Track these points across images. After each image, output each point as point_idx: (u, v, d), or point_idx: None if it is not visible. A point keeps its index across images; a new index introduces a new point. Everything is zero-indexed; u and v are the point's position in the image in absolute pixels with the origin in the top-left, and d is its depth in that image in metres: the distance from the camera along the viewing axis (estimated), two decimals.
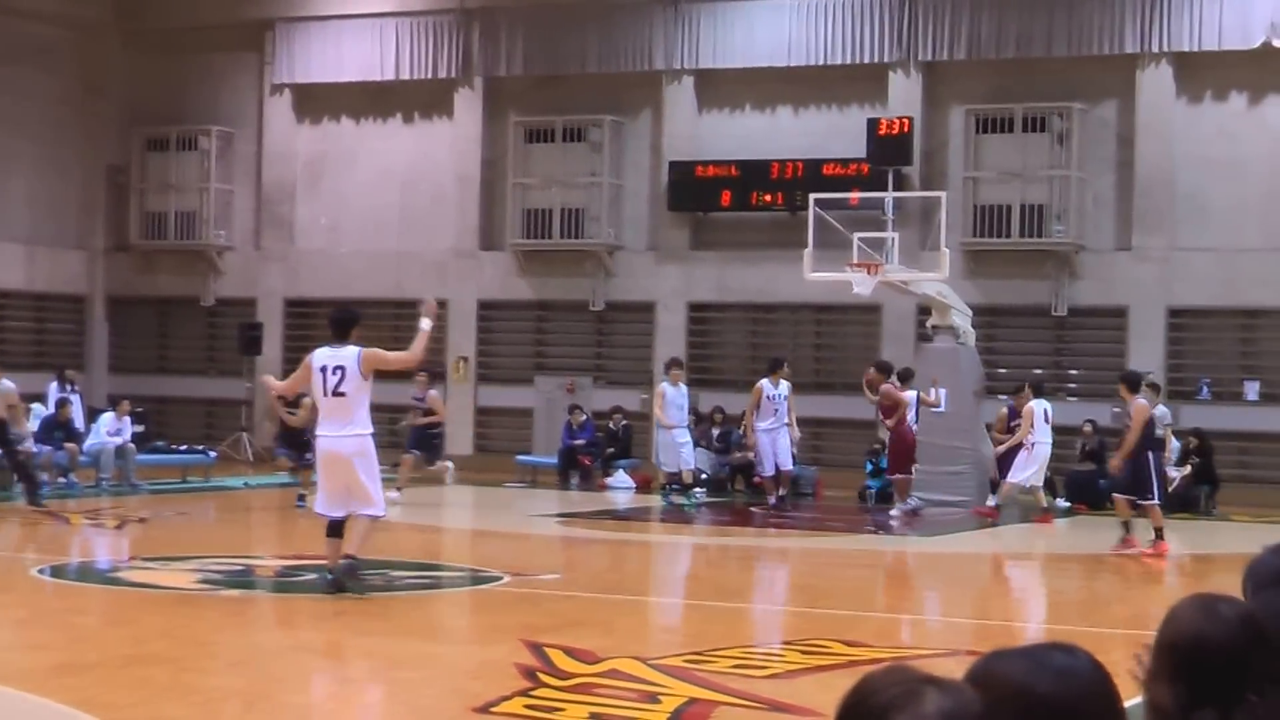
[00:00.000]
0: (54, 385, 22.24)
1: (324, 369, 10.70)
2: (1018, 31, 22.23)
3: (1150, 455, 14.81)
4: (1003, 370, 22.26)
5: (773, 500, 18.74)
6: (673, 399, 19.37)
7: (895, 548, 16.61)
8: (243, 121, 26.62)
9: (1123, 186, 22.14)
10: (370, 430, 10.85)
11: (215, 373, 26.48)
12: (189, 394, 26.63)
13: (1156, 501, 14.86)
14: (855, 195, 21.23)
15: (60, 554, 14.09)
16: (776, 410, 18.64)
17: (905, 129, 21.91)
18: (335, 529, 10.87)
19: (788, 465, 18.88)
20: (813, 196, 20.56)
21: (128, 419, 20.49)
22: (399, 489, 18.47)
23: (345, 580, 10.62)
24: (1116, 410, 20.42)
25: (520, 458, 23.35)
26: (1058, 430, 19.01)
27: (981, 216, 22.24)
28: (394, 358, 11.05)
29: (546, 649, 8.69)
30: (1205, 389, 21.53)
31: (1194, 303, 21.73)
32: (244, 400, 25.70)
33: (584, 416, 22.80)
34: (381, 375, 11.26)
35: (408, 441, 19.34)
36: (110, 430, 20.10)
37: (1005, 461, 18.54)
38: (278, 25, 26.07)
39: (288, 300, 26.13)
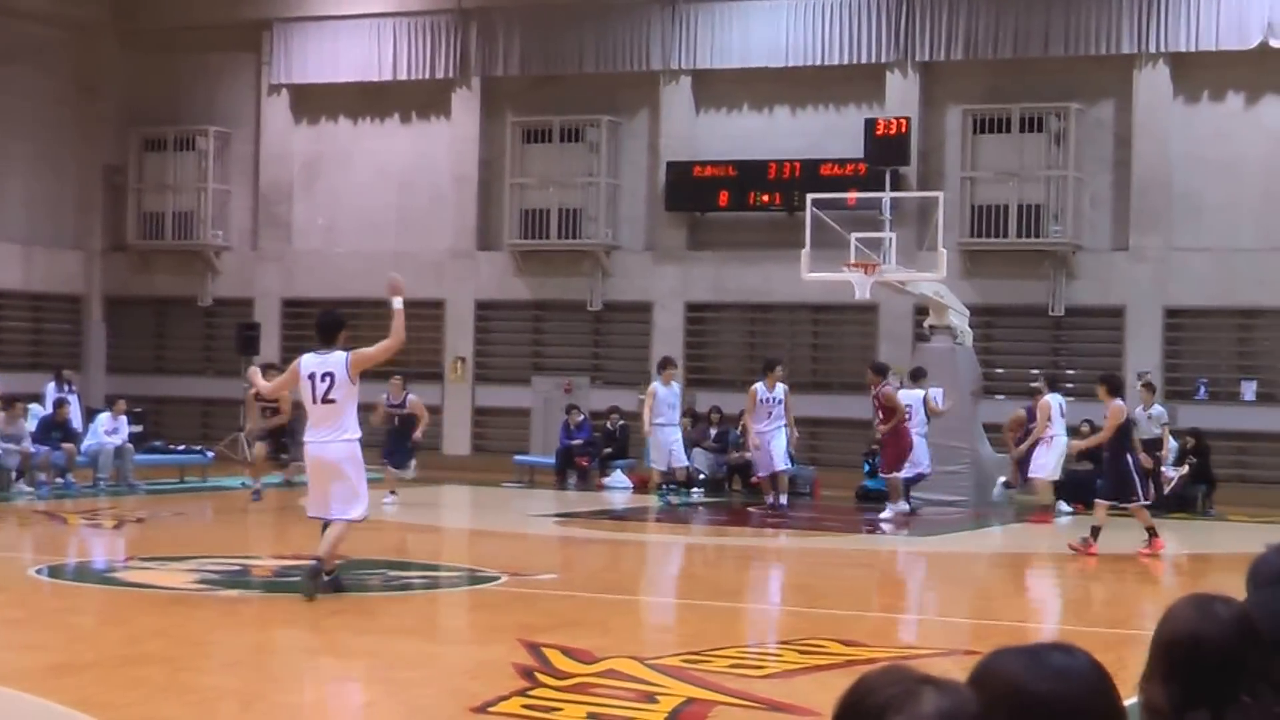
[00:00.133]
0: (51, 385, 22.23)
1: (312, 376, 10.63)
2: (1015, 31, 22.25)
3: (1130, 458, 14.77)
4: (1000, 370, 22.28)
5: (770, 500, 18.70)
6: (664, 398, 19.40)
7: (893, 547, 16.61)
8: (240, 122, 26.61)
9: (1119, 186, 22.16)
10: (359, 435, 10.81)
11: (212, 373, 26.47)
12: (186, 394, 26.62)
13: (1142, 503, 14.83)
14: (852, 195, 21.25)
15: (57, 554, 14.09)
16: (771, 413, 18.55)
17: (902, 129, 21.92)
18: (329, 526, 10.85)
19: (781, 467, 18.72)
20: (810, 196, 20.58)
21: (124, 418, 20.48)
22: (393, 491, 18.46)
23: (314, 580, 10.53)
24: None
25: (518, 458, 23.35)
26: None
27: (978, 216, 22.25)
28: (379, 350, 10.89)
29: (544, 649, 8.69)
30: (1202, 389, 21.55)
31: (1191, 303, 21.75)
32: (241, 400, 25.67)
33: (581, 416, 22.80)
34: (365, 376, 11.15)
35: (385, 451, 18.61)
36: (107, 430, 20.09)
37: (1025, 461, 18.52)
38: (275, 25, 26.06)
39: (285, 300, 26.12)
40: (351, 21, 25.56)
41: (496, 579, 12.17)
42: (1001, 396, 21.45)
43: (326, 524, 10.85)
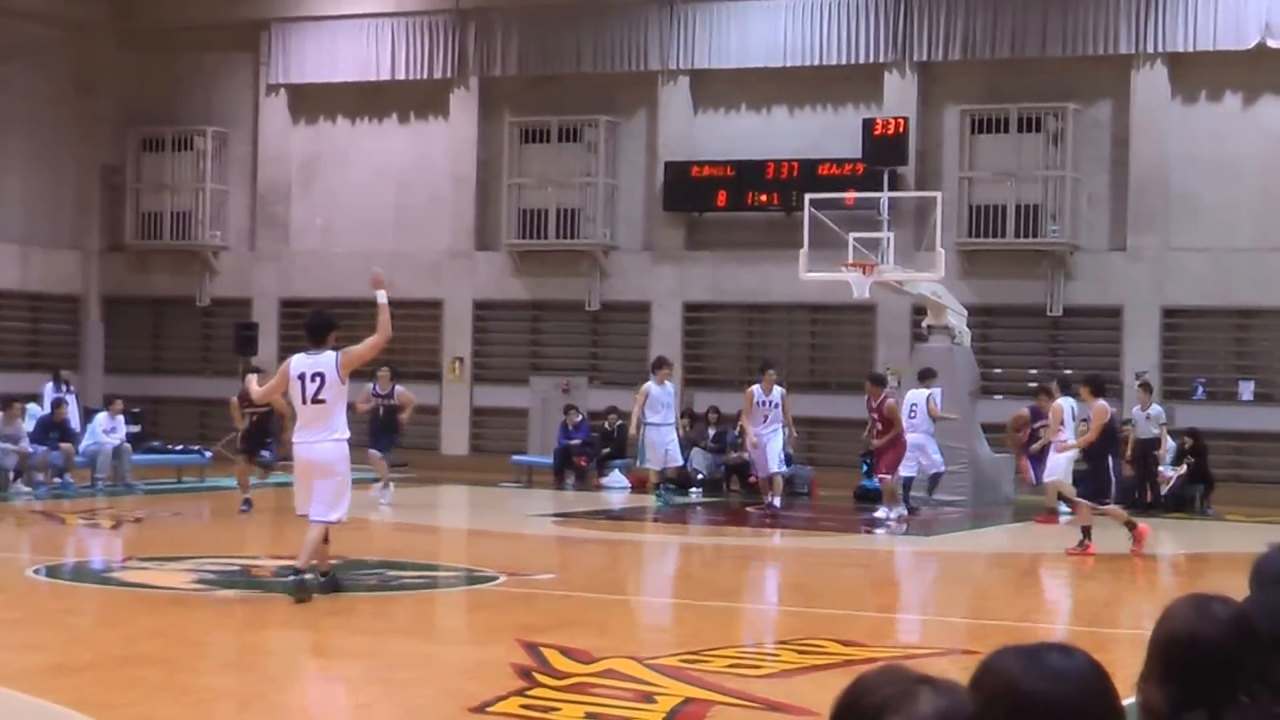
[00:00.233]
0: (49, 385, 22.23)
1: (302, 376, 10.57)
2: (1012, 31, 22.26)
3: (1110, 460, 14.75)
4: (998, 370, 22.29)
5: (769, 501, 18.65)
6: (658, 397, 19.41)
7: (891, 547, 16.62)
8: (238, 122, 26.61)
9: (1117, 186, 22.17)
10: (348, 435, 10.77)
11: (210, 373, 26.45)
12: (184, 394, 26.62)
13: (1109, 506, 14.78)
14: (850, 195, 21.26)
15: (55, 554, 14.09)
16: (767, 416, 18.41)
17: (900, 129, 21.94)
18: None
19: (775, 469, 18.59)
20: (808, 196, 20.59)
21: (121, 418, 20.48)
22: (385, 486, 18.46)
23: (294, 590, 10.47)
24: (1112, 410, 20.44)
25: (516, 458, 23.35)
26: None
27: (976, 216, 22.26)
28: (367, 347, 10.80)
29: (542, 649, 8.69)
30: (1200, 389, 21.56)
31: (1188, 303, 21.77)
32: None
33: (579, 416, 22.80)
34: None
35: (371, 438, 18.64)
36: (105, 430, 20.08)
37: (1037, 462, 18.49)
38: (273, 25, 26.06)
39: (282, 300, 26.11)
40: (349, 21, 25.56)
41: (495, 579, 12.17)
42: (999, 396, 21.45)
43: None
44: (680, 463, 19.98)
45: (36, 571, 12.18)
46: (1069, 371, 21.70)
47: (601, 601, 11.61)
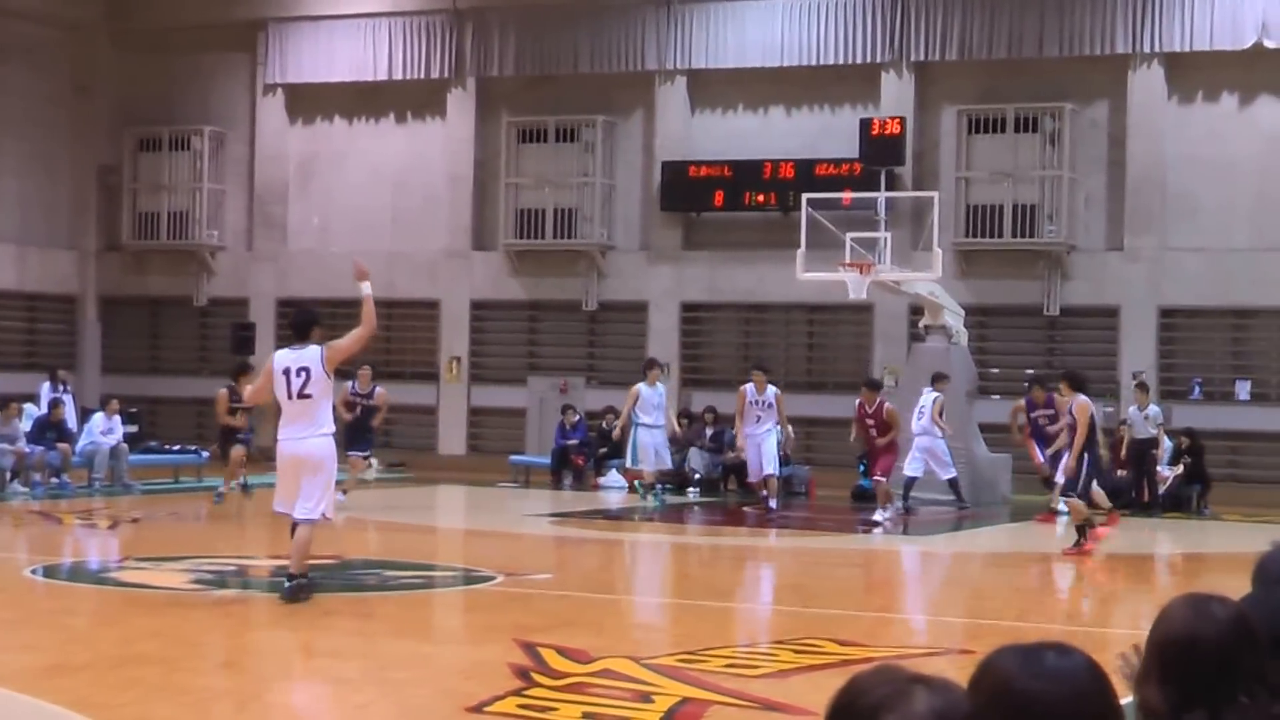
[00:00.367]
0: (46, 385, 22.23)
1: (287, 371, 10.45)
2: (1009, 32, 22.27)
3: (1089, 455, 14.70)
4: (995, 370, 22.30)
5: (764, 499, 18.62)
6: (648, 399, 19.46)
7: (888, 547, 16.62)
8: (235, 122, 26.60)
9: (1114, 187, 22.19)
10: (334, 429, 10.71)
11: (207, 373, 26.42)
12: (181, 394, 26.60)
13: (1078, 501, 14.74)
14: (847, 195, 21.27)
15: (52, 554, 14.08)
16: (760, 416, 18.29)
17: (897, 129, 21.95)
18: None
19: (769, 469, 18.46)
20: (805, 197, 20.60)
21: (118, 418, 20.47)
22: (344, 492, 18.11)
23: (297, 596, 10.46)
24: (1109, 410, 20.47)
25: (513, 458, 23.35)
26: None
27: (973, 217, 22.28)
28: (352, 339, 10.68)
29: (539, 648, 8.69)
30: (1197, 389, 21.59)
31: (1185, 303, 21.79)
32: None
33: (577, 416, 22.80)
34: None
35: (347, 440, 18.14)
36: (102, 430, 20.07)
37: (1054, 460, 18.46)
38: (269, 25, 26.05)
39: (280, 300, 26.10)
40: (346, 21, 25.55)
41: (492, 579, 12.17)
42: (996, 397, 21.46)
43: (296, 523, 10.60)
44: (669, 465, 20.00)
45: (33, 572, 12.18)
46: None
47: (599, 601, 11.61)
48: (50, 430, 19.81)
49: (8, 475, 18.96)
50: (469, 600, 11.67)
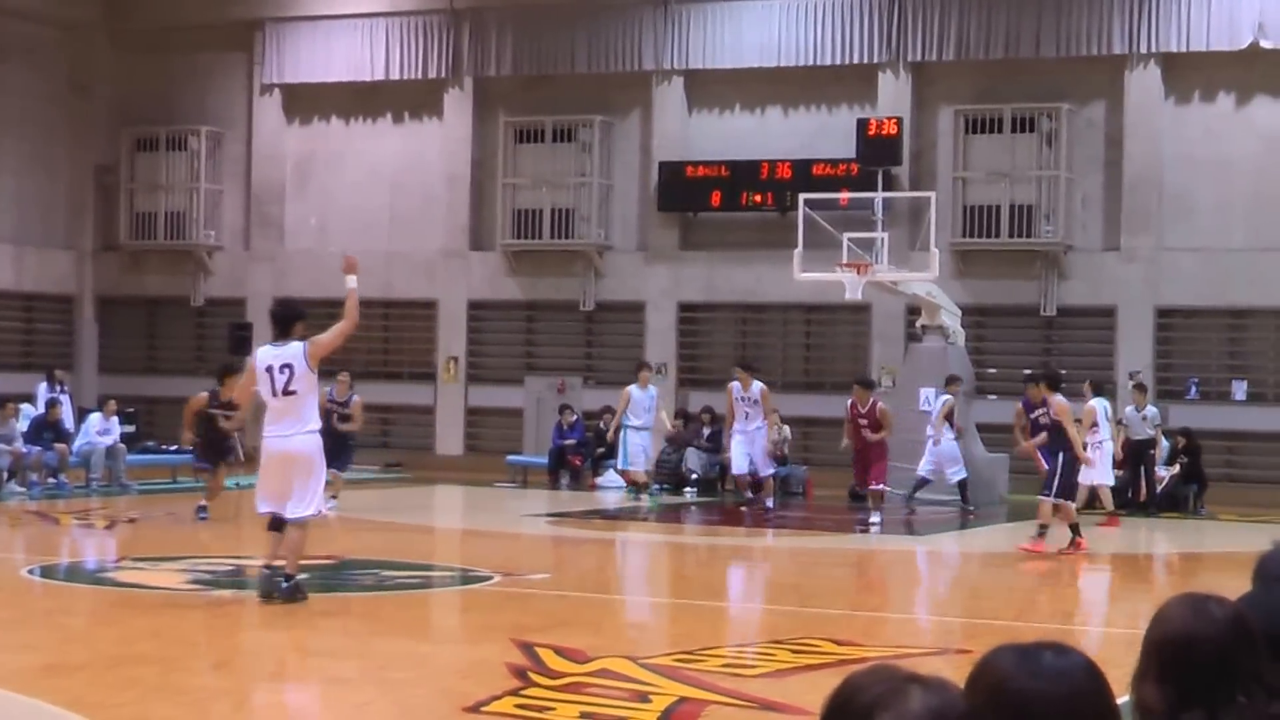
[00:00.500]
0: (43, 386, 22.22)
1: (270, 368, 10.36)
2: (1006, 32, 22.29)
3: (1061, 454, 14.69)
4: (992, 370, 22.30)
5: (753, 498, 18.56)
6: (639, 400, 19.52)
7: (885, 547, 16.63)
8: (232, 121, 26.59)
9: (1110, 187, 22.21)
10: (320, 426, 10.59)
11: (205, 373, 26.26)
12: (178, 394, 26.48)
13: (1050, 498, 14.72)
14: (844, 195, 21.28)
15: (50, 554, 14.07)
16: (748, 414, 18.18)
17: (894, 130, 21.96)
18: (279, 524, 10.51)
19: (763, 471, 18.28)
20: (802, 197, 20.60)
21: (115, 419, 20.47)
22: (334, 495, 17.89)
23: (294, 595, 10.34)
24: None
25: (510, 458, 23.34)
26: None
27: (970, 217, 22.29)
28: (335, 334, 10.57)
29: (537, 648, 8.70)
30: (1193, 389, 21.60)
31: (1181, 303, 21.81)
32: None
33: (574, 416, 22.80)
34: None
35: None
36: (99, 430, 20.07)
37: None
38: (266, 25, 26.04)
39: (277, 300, 26.05)
40: (343, 21, 25.55)
41: (489, 579, 12.17)
42: (994, 397, 21.47)
43: (276, 520, 10.48)
44: (650, 466, 20.15)
45: (31, 572, 12.17)
46: (1063, 370, 21.79)
47: (596, 601, 11.62)
48: (47, 430, 19.80)
49: (5, 475, 18.95)
50: (466, 600, 11.67)
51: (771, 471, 18.72)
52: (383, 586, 11.96)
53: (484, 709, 7.23)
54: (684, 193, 23.65)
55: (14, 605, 10.69)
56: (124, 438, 20.77)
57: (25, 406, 20.75)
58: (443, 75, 25.07)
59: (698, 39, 23.72)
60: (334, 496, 17.09)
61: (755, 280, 23.19)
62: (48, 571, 12.45)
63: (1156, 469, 19.92)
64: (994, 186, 22.21)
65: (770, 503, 18.52)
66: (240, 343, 24.56)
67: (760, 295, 23.30)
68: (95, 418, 20.34)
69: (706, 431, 22.13)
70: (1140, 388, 20.08)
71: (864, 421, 17.68)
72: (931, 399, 19.35)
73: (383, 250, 25.28)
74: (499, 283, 24.94)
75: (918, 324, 20.90)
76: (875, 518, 17.62)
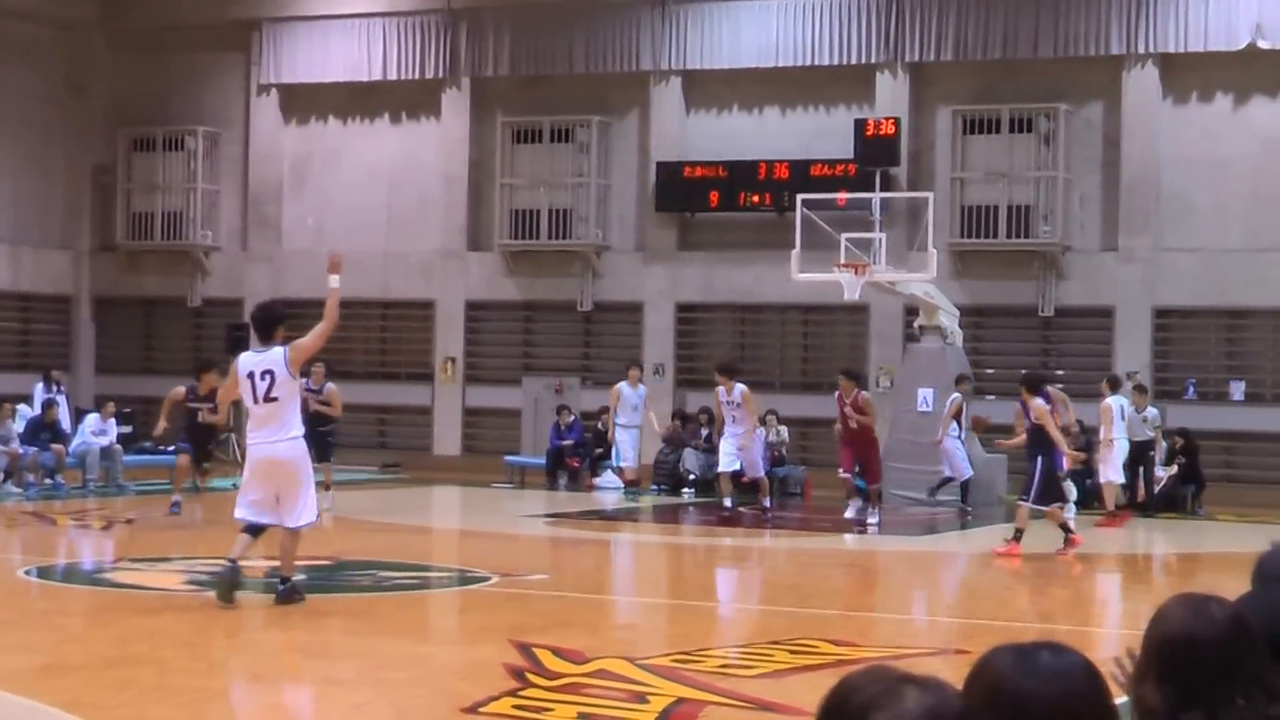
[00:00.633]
0: (40, 386, 22.20)
1: (251, 375, 10.26)
2: (1004, 32, 22.29)
3: (1040, 458, 14.62)
4: (990, 371, 22.31)
5: (765, 501, 18.49)
6: (628, 398, 19.57)
7: (883, 548, 16.62)
8: (229, 122, 26.58)
9: (1108, 187, 22.21)
10: (303, 432, 10.52)
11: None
12: None
13: (1029, 504, 14.67)
14: (842, 196, 21.28)
15: (46, 555, 14.07)
16: (734, 416, 18.10)
17: (892, 130, 21.96)
18: (255, 531, 10.41)
19: (751, 472, 18.06)
20: (800, 197, 20.60)
21: (113, 420, 20.46)
22: (327, 486, 17.80)
23: (290, 596, 10.30)
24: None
25: (508, 458, 23.34)
26: None
27: (968, 217, 22.30)
28: (315, 336, 10.45)
29: (535, 649, 8.69)
30: (1191, 389, 21.61)
31: (1179, 303, 21.82)
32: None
33: (572, 417, 22.79)
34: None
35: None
36: (95, 431, 20.05)
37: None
38: (264, 25, 26.03)
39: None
40: (341, 21, 25.54)
41: (487, 579, 12.16)
42: (992, 397, 21.47)
43: (253, 528, 10.36)
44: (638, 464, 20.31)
45: (28, 572, 12.17)
46: (1060, 370, 21.81)
47: (594, 602, 11.61)
48: (44, 431, 19.78)
49: (1, 476, 18.94)
50: (464, 601, 11.66)
51: (763, 473, 18.56)
52: (380, 587, 11.95)
53: (481, 710, 7.22)
54: (682, 193, 23.65)
55: (11, 606, 10.68)
56: (121, 438, 20.76)
57: (22, 407, 20.74)
58: (440, 75, 25.07)
59: (695, 39, 23.72)
60: (326, 488, 17.12)
61: (753, 280, 23.19)
62: (44, 572, 12.44)
63: (1155, 470, 19.91)
64: (992, 187, 22.21)
65: (768, 503, 18.51)
66: (237, 343, 24.45)
67: (758, 296, 23.30)
68: (92, 418, 20.33)
69: (704, 432, 22.13)
70: (1140, 389, 20.08)
71: (849, 411, 17.63)
72: (930, 399, 19.35)
73: (380, 250, 25.28)
74: (497, 283, 24.93)
75: (915, 324, 20.91)
76: (873, 516, 17.62)
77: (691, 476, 21.43)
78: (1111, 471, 18.11)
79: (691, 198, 23.62)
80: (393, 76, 25.24)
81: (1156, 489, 19.86)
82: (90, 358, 27.12)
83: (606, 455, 22.58)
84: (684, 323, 24.17)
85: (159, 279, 26.78)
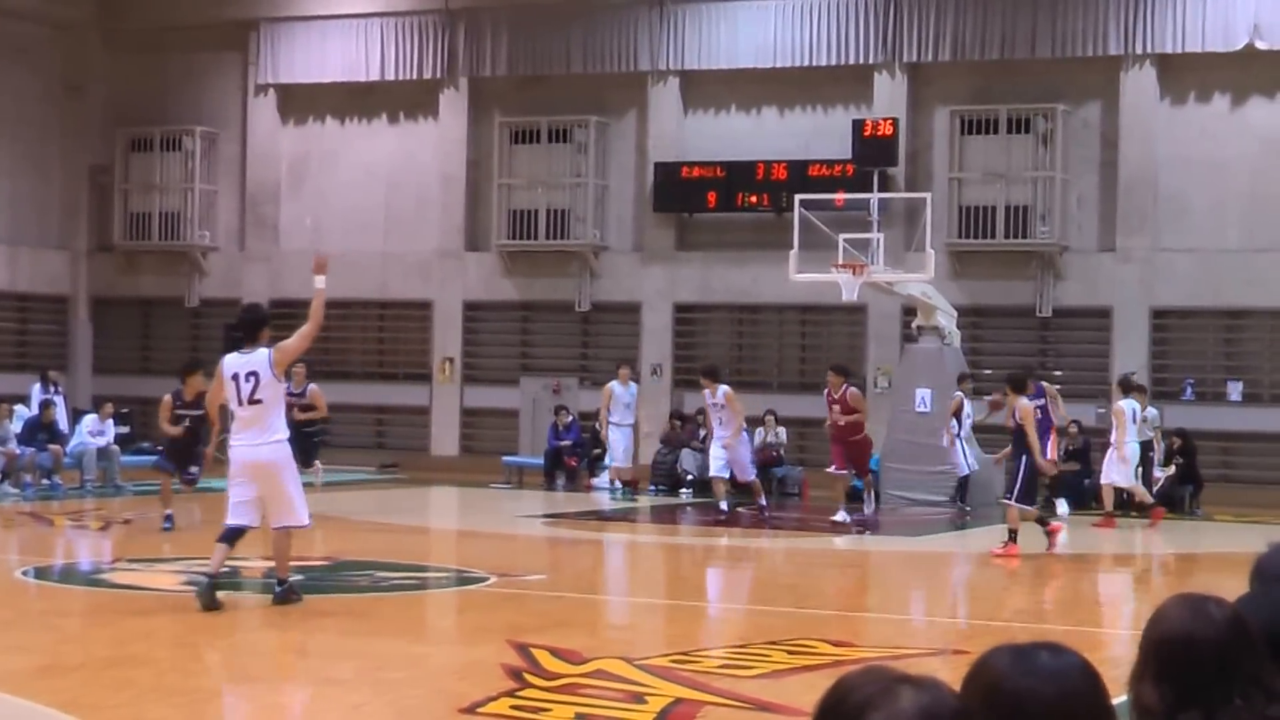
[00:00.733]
0: (37, 386, 22.17)
1: (236, 377, 10.26)
2: (1002, 33, 22.30)
3: (1025, 457, 14.63)
4: (988, 371, 22.30)
5: (761, 503, 18.46)
6: (620, 397, 19.67)
7: (880, 548, 16.63)
8: (227, 122, 26.57)
9: (1106, 187, 22.22)
10: (288, 434, 10.49)
11: (200, 374, 26.37)
12: None
13: (1012, 503, 14.69)
14: (840, 196, 21.28)
15: (44, 555, 14.06)
16: (721, 419, 18.03)
17: (890, 130, 21.95)
18: (233, 536, 10.38)
19: (742, 475, 18.01)
20: (798, 197, 20.60)
21: (110, 421, 20.45)
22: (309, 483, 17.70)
23: (288, 597, 10.30)
24: (1100, 410, 20.51)
25: (506, 458, 23.33)
26: None
27: (966, 217, 22.30)
28: (299, 338, 10.45)
29: (532, 649, 8.69)
30: (1189, 389, 21.62)
31: (1177, 303, 21.82)
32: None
33: (570, 417, 22.80)
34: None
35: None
36: (93, 431, 20.05)
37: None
38: (262, 25, 26.02)
39: (272, 301, 25.99)
40: (338, 21, 25.53)
41: (485, 580, 12.16)
42: (990, 397, 21.46)
43: (232, 529, 10.33)
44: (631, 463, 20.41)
45: (25, 573, 12.16)
46: (1058, 371, 21.82)
47: (591, 602, 11.61)
48: (41, 431, 19.78)
49: None
50: (462, 601, 11.66)
51: (753, 476, 18.47)
52: (378, 587, 11.95)
53: (479, 710, 7.22)
54: (680, 193, 23.65)
55: (8, 607, 10.67)
56: (118, 439, 20.75)
57: (19, 408, 20.73)
58: (438, 75, 25.06)
59: (693, 39, 23.72)
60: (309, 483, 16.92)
61: (751, 281, 23.18)
62: (42, 573, 12.43)
63: (1154, 471, 19.91)
64: (989, 187, 22.22)
65: (764, 503, 18.49)
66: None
67: (756, 296, 23.30)
68: (90, 419, 20.32)
69: (702, 433, 22.13)
70: (1141, 390, 20.08)
71: (838, 407, 17.63)
72: (928, 400, 19.36)
73: (378, 251, 25.27)
74: (494, 283, 24.93)
75: (913, 325, 20.91)
76: (869, 509, 17.63)
77: (689, 477, 21.43)
78: (1119, 475, 18.08)
79: (689, 198, 23.62)
80: (390, 77, 25.24)
81: (1154, 489, 19.87)
82: (88, 358, 27.10)
83: (604, 455, 22.60)
84: (682, 323, 24.17)
85: (156, 279, 26.76)
